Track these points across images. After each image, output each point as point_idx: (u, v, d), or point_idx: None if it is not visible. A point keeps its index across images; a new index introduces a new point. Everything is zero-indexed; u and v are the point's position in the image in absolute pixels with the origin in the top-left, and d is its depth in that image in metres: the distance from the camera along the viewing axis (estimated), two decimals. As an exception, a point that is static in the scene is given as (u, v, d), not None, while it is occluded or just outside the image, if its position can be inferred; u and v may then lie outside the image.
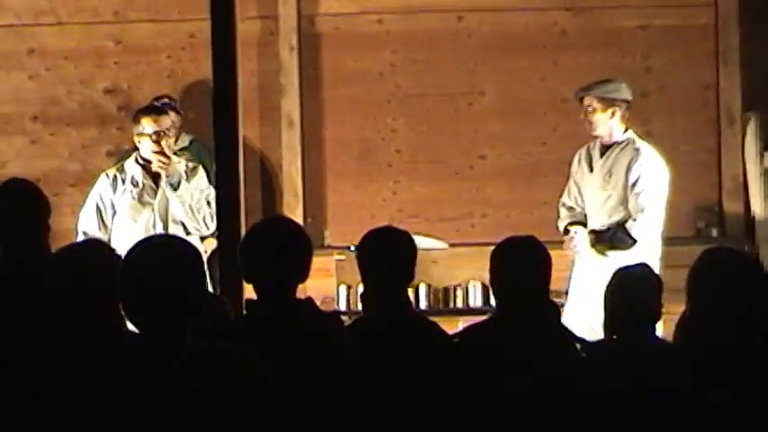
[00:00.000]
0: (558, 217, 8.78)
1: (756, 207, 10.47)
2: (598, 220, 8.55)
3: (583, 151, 8.80)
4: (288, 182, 10.65)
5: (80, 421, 3.70)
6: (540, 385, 4.92)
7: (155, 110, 8.96)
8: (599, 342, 5.77)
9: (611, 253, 8.32)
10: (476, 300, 9.89)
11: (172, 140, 8.83)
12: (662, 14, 10.62)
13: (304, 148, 10.66)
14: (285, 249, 5.35)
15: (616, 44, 10.65)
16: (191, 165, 8.85)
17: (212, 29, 8.02)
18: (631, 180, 8.50)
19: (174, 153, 9.29)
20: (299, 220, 9.87)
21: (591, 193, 8.65)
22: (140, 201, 8.63)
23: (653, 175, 8.56)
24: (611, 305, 5.52)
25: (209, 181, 8.70)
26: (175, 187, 8.61)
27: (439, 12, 10.68)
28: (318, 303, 5.63)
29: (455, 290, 10.02)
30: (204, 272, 3.99)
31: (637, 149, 8.63)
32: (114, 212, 8.66)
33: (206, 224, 8.69)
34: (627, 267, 5.81)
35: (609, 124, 8.62)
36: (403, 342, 5.37)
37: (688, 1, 10.60)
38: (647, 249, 8.44)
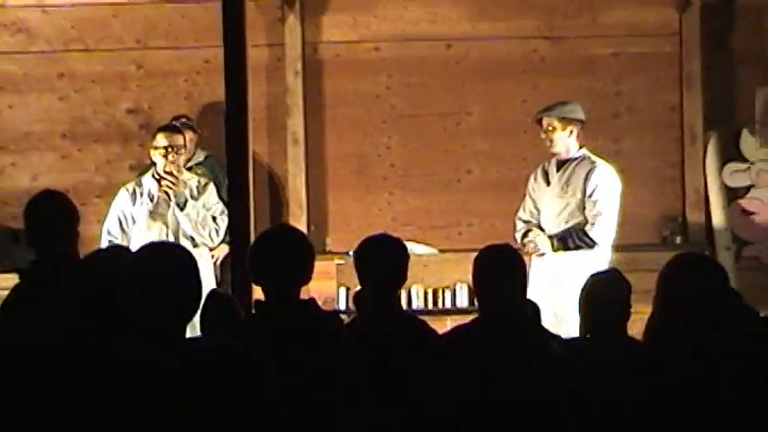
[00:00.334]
0: (515, 229, 8.74)
1: (716, 217, 10.47)
2: (554, 227, 8.54)
3: (538, 170, 8.79)
4: (293, 193, 10.64)
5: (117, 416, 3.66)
6: (520, 377, 4.91)
7: (171, 128, 8.98)
8: (574, 339, 5.77)
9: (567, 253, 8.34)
10: (462, 300, 9.87)
11: (182, 158, 8.83)
12: (631, 43, 10.63)
13: (308, 163, 10.65)
14: (290, 254, 5.35)
15: (590, 70, 10.66)
16: (202, 181, 8.86)
17: (225, 55, 8.02)
18: (589, 189, 8.49)
19: (189, 169, 9.30)
20: (302, 227, 9.87)
21: (548, 204, 8.62)
22: (155, 214, 8.63)
23: (609, 185, 8.57)
24: (586, 307, 5.52)
25: (222, 192, 8.70)
26: (182, 207, 8.62)
27: (430, 40, 10.68)
28: (320, 304, 5.62)
29: (444, 291, 10.00)
30: (197, 276, 3.96)
31: (593, 162, 8.64)
32: (133, 222, 8.66)
33: (211, 238, 8.71)
34: (599, 273, 5.81)
35: (567, 142, 8.61)
36: (396, 339, 5.37)
37: (655, 31, 10.60)
38: (599, 256, 8.46)
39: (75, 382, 3.72)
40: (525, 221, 8.68)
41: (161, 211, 8.65)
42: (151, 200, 8.65)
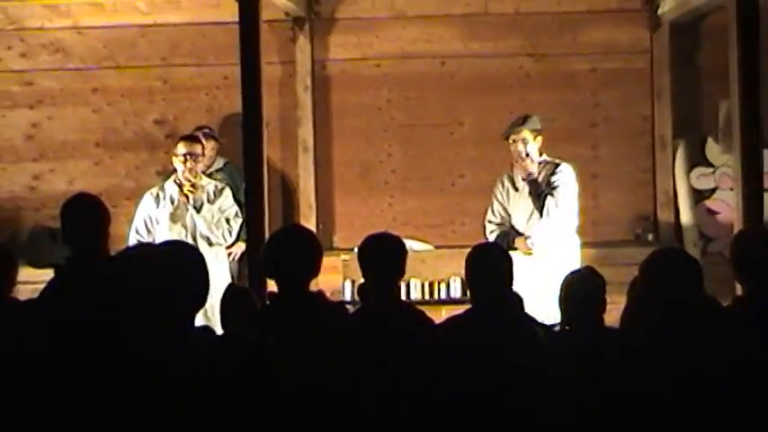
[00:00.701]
0: (486, 231, 8.70)
1: (684, 216, 10.48)
2: (527, 227, 8.50)
3: (504, 177, 8.68)
4: (303, 196, 10.65)
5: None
6: (509, 361, 4.91)
7: (191, 138, 8.97)
8: (554, 325, 5.77)
9: (548, 251, 8.33)
10: (456, 292, 9.86)
11: (200, 165, 8.82)
12: (608, 60, 10.63)
13: (317, 168, 10.66)
14: (301, 251, 5.36)
15: (570, 84, 10.66)
16: (219, 186, 8.86)
17: (242, 72, 8.04)
18: (552, 185, 8.47)
19: (210, 174, 9.31)
20: (312, 227, 9.88)
21: (518, 206, 8.57)
22: (174, 216, 8.63)
23: (568, 181, 8.52)
24: (566, 300, 5.51)
25: (240, 195, 8.70)
26: (198, 209, 8.63)
27: (426, 58, 10.69)
28: (328, 295, 5.64)
29: (439, 284, 9.98)
30: (205, 271, 3.95)
31: (556, 164, 8.58)
32: (157, 223, 8.67)
33: (224, 238, 8.73)
34: (577, 270, 5.80)
35: (535, 150, 8.58)
36: (396, 326, 5.37)
37: (628, 49, 10.60)
38: (570, 248, 8.45)
39: (103, 368, 3.72)
40: (498, 224, 8.63)
41: (180, 213, 8.65)
42: (172, 203, 8.66)
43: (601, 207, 10.59)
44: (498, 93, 10.56)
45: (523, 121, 8.58)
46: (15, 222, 10.73)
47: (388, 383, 4.63)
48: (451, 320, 5.53)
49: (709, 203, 10.53)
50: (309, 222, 10.32)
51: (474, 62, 10.67)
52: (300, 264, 5.34)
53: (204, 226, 8.61)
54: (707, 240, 10.42)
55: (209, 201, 8.67)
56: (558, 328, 5.75)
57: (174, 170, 8.80)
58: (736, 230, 8.08)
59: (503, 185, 8.68)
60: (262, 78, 8.07)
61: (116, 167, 10.75)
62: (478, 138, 10.34)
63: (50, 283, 5.55)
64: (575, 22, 10.62)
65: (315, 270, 5.37)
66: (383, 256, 5.58)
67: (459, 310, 5.69)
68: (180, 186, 8.67)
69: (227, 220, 8.69)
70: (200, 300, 3.88)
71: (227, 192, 8.82)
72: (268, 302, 5.74)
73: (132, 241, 8.52)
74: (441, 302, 9.65)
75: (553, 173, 8.48)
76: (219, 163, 9.89)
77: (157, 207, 8.68)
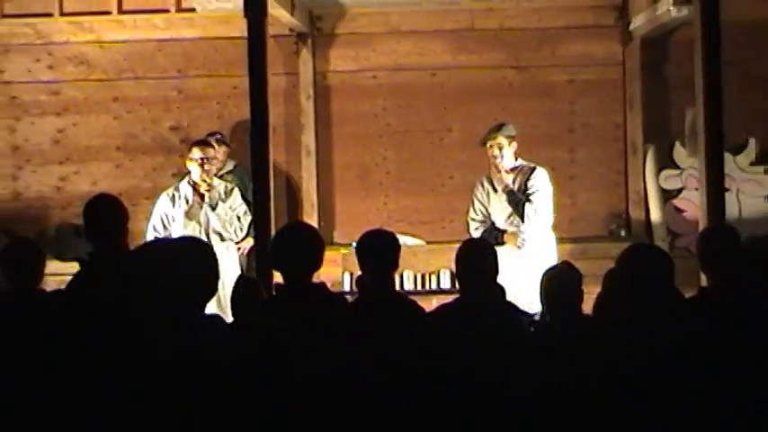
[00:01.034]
0: (469, 227, 8.71)
1: (654, 214, 10.48)
2: (505, 223, 8.52)
3: (483, 179, 8.68)
4: (306, 195, 10.64)
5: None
6: (493, 346, 4.91)
7: (204, 143, 8.97)
8: (535, 315, 5.77)
9: (528, 247, 8.34)
10: (446, 283, 9.85)
11: (214, 168, 8.83)
12: (584, 71, 10.62)
13: (318, 170, 10.65)
14: (304, 246, 5.35)
15: (549, 94, 10.66)
16: (229, 186, 8.85)
17: (250, 82, 8.03)
18: (530, 187, 8.48)
19: (221, 176, 9.30)
20: (314, 223, 9.87)
21: (497, 206, 8.58)
22: (190, 214, 8.63)
23: (544, 184, 8.53)
24: (546, 292, 5.49)
25: (248, 195, 8.70)
26: (214, 207, 8.62)
27: (418, 70, 10.68)
28: (329, 286, 5.64)
29: (430, 276, 9.98)
30: (217, 266, 3.94)
31: (532, 168, 8.60)
32: (173, 221, 8.66)
33: (236, 233, 8.73)
34: (555, 265, 5.78)
35: (510, 154, 8.59)
36: (391, 314, 5.37)
37: (603, 61, 10.59)
38: (547, 244, 8.47)
39: (123, 353, 3.71)
40: (480, 221, 8.64)
41: (194, 211, 8.64)
42: (187, 203, 8.65)
43: (577, 206, 10.59)
44: (484, 101, 10.55)
45: (499, 128, 8.60)
46: (43, 220, 10.71)
47: (385, 367, 4.63)
48: (441, 309, 5.53)
49: (676, 202, 10.52)
50: (312, 220, 10.32)
51: (462, 73, 10.67)
52: (304, 257, 5.34)
53: (218, 223, 8.61)
54: (674, 236, 10.41)
55: (221, 200, 8.67)
56: (538, 318, 5.75)
57: (188, 172, 8.79)
58: (701, 227, 8.09)
59: (483, 187, 8.69)
60: (268, 88, 8.06)
61: (135, 170, 10.73)
62: (466, 142, 10.32)
63: (76, 276, 5.54)
64: (554, 37, 10.62)
65: (317, 263, 5.38)
66: (379, 251, 5.58)
67: (449, 299, 5.69)
68: (193, 187, 8.67)
69: (238, 218, 8.69)
70: (212, 290, 3.88)
71: (236, 192, 8.82)
72: (274, 293, 5.74)
73: (150, 237, 8.51)
74: (431, 293, 9.63)
75: (529, 177, 8.51)
76: (230, 165, 9.88)
77: (173, 206, 8.68)
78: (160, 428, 3.49)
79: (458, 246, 5.66)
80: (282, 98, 10.50)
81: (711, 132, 8.06)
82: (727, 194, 8.32)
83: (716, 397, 4.37)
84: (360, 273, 5.64)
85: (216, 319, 4.03)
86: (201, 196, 8.64)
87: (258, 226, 8.00)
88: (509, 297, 5.60)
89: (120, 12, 10.47)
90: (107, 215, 5.65)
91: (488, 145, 8.54)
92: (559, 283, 5.40)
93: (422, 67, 10.68)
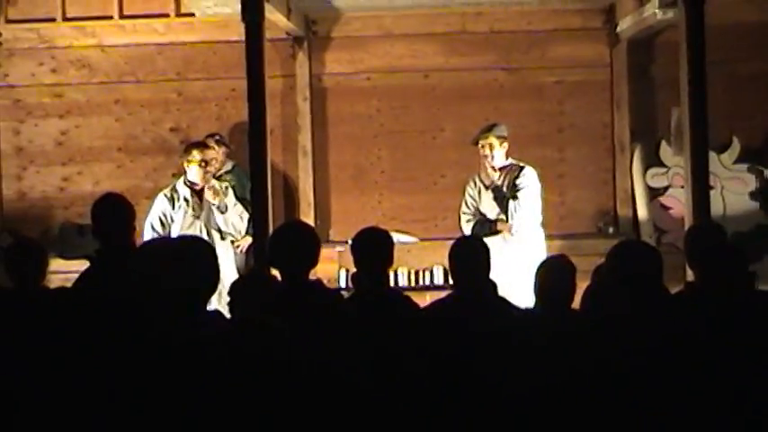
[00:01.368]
0: (461, 221, 8.78)
1: (641, 212, 10.48)
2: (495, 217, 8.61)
3: (475, 177, 8.81)
4: (303, 195, 10.63)
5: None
6: (485, 340, 4.90)
7: (202, 144, 8.97)
8: (529, 309, 5.76)
9: (518, 244, 8.37)
10: (439, 279, 9.84)
11: (212, 168, 8.85)
12: (572, 73, 10.62)
13: (315, 170, 10.63)
14: (301, 243, 5.33)
15: (539, 95, 10.66)
16: (224, 186, 8.88)
17: (248, 85, 8.02)
18: (516, 186, 8.54)
19: (219, 176, 9.31)
20: (310, 222, 9.87)
21: (487, 202, 8.67)
22: (191, 214, 8.62)
23: (531, 182, 8.57)
24: (540, 284, 5.48)
25: (246, 194, 8.71)
26: (223, 211, 8.65)
27: (411, 72, 10.68)
28: (325, 283, 5.62)
29: (424, 272, 9.97)
30: (217, 264, 3.93)
31: (521, 168, 8.67)
32: (172, 221, 8.65)
33: (240, 232, 8.78)
34: (550, 257, 5.78)
35: (501, 154, 8.65)
36: (386, 310, 5.36)
37: (591, 63, 10.59)
38: (536, 240, 8.51)
39: (128, 348, 3.70)
40: (472, 214, 8.72)
41: (195, 212, 8.65)
42: (187, 203, 8.64)
43: (567, 203, 10.59)
44: (475, 102, 10.55)
45: (490, 128, 8.69)
46: (47, 219, 10.70)
47: (380, 362, 4.62)
48: (435, 304, 5.53)
49: (662, 200, 10.51)
50: (308, 218, 10.31)
51: (453, 75, 10.66)
52: (301, 255, 5.32)
53: (223, 223, 8.65)
54: (661, 233, 10.41)
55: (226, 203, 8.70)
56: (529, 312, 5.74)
57: (184, 173, 8.81)
58: (686, 224, 8.09)
59: (474, 184, 8.82)
60: (265, 90, 8.05)
61: (136, 170, 10.71)
62: (458, 142, 10.32)
63: (84, 273, 5.52)
64: (543, 40, 10.62)
65: (313, 261, 5.36)
66: (374, 248, 5.58)
67: (442, 294, 5.69)
68: (191, 187, 8.66)
69: (240, 217, 8.72)
70: (212, 287, 3.87)
71: (230, 191, 8.87)
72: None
73: (147, 236, 8.49)
74: (425, 288, 9.63)
75: (517, 176, 8.58)
76: (228, 166, 9.88)
77: (173, 207, 8.67)
78: (162, 425, 3.48)
79: (451, 242, 5.66)
80: (279, 100, 10.49)
81: (696, 131, 8.07)
82: (711, 192, 8.32)
83: (704, 393, 4.36)
84: (355, 269, 5.63)
85: (216, 315, 4.03)
86: (200, 196, 8.63)
87: (256, 224, 8.00)
88: (501, 292, 5.59)
89: (122, 16, 10.46)
90: (114, 213, 5.63)
91: (480, 144, 8.63)
92: (554, 274, 5.39)
93: (415, 69, 10.68)
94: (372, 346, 4.82)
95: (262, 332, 3.42)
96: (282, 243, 5.39)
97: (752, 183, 10.39)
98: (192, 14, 9.95)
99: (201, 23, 10.31)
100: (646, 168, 10.50)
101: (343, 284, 9.59)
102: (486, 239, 6.91)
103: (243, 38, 8.10)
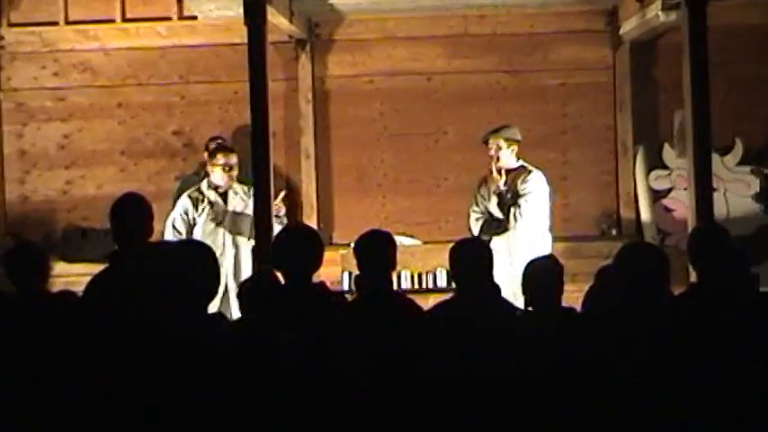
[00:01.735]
0: (470, 220, 8.78)
1: (644, 214, 10.48)
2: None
3: (486, 177, 8.80)
4: (306, 197, 10.63)
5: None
6: (488, 340, 4.91)
7: (227, 148, 8.87)
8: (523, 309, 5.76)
9: (524, 248, 8.35)
10: (442, 282, 9.85)
11: (235, 173, 8.70)
12: (575, 75, 10.63)
13: (317, 173, 10.64)
14: (304, 246, 5.35)
15: (541, 97, 10.66)
16: (245, 188, 8.85)
17: (251, 88, 8.04)
18: (522, 189, 8.53)
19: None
20: (314, 225, 9.87)
21: (493, 208, 8.66)
22: (214, 216, 8.55)
23: (537, 187, 8.57)
24: (530, 285, 5.45)
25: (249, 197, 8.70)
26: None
27: (414, 74, 10.68)
28: (328, 285, 5.63)
29: (427, 275, 9.98)
30: (218, 269, 3.95)
31: (529, 171, 8.66)
32: (194, 223, 8.56)
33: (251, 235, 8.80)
34: (537, 258, 5.73)
35: (509, 157, 8.64)
36: (389, 312, 5.36)
37: (594, 65, 10.60)
38: (543, 244, 8.49)
39: (137, 344, 3.72)
40: (482, 212, 8.72)
41: (219, 213, 8.56)
42: (211, 206, 8.54)
43: (570, 206, 10.59)
44: (478, 105, 10.55)
45: (501, 128, 8.67)
46: (50, 223, 10.70)
47: (384, 364, 4.63)
48: (438, 306, 5.53)
49: (665, 202, 10.51)
50: (311, 221, 10.32)
51: (456, 78, 10.67)
52: (304, 257, 5.34)
53: (248, 227, 8.66)
54: (664, 235, 10.41)
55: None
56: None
57: (194, 174, 8.77)
58: (689, 226, 8.09)
59: (485, 184, 8.78)
60: (268, 93, 8.06)
61: (139, 173, 10.71)
62: (460, 144, 10.33)
63: (100, 273, 5.50)
64: (545, 42, 10.62)
65: (317, 263, 5.38)
66: (376, 251, 5.57)
67: (445, 297, 5.69)
68: (215, 190, 8.56)
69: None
70: (213, 291, 3.88)
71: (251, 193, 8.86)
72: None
73: (168, 236, 8.42)
74: (428, 291, 9.64)
75: (524, 180, 8.56)
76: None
77: (196, 210, 8.55)
78: (163, 425, 3.49)
79: (450, 247, 5.64)
80: (282, 103, 10.50)
81: (699, 133, 8.07)
82: (714, 194, 8.34)
83: (704, 393, 4.37)
84: (358, 272, 5.64)
85: (217, 317, 4.03)
86: (224, 198, 8.56)
87: (258, 227, 7.99)
88: (504, 295, 5.59)
89: (124, 20, 10.49)
90: (132, 214, 5.61)
91: (490, 144, 8.64)
92: (542, 273, 5.38)
93: (417, 71, 10.68)
94: (375, 349, 4.82)
95: (259, 335, 3.43)
96: (286, 246, 5.41)
97: (755, 185, 10.39)
98: (195, 17, 9.96)
99: (204, 26, 10.32)
100: (649, 170, 10.50)
101: (346, 287, 9.58)
102: (492, 247, 6.95)
103: (245, 41, 8.11)
